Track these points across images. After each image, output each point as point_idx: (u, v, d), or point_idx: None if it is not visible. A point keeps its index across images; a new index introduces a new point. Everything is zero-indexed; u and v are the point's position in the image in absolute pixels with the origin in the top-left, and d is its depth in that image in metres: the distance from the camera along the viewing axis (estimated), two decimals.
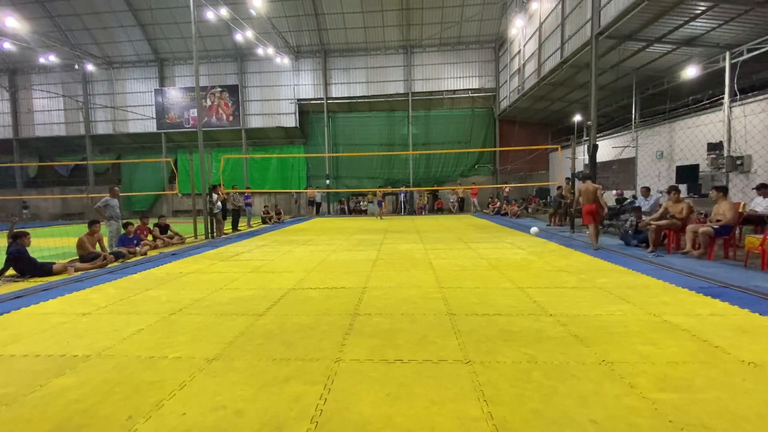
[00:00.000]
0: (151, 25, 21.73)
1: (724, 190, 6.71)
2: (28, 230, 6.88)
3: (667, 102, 14.63)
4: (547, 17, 15.10)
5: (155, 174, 24.27)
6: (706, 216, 7.11)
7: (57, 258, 7.52)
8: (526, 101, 18.45)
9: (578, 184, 8.41)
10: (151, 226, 10.19)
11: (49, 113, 24.45)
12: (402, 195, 21.88)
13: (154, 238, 9.83)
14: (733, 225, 6.55)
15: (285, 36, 21.36)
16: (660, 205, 8.21)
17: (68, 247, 7.63)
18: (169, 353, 3.15)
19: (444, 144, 22.73)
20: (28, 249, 6.56)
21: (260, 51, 19.92)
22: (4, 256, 6.38)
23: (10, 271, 6.37)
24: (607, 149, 15.01)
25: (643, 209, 8.76)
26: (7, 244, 6.47)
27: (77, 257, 7.24)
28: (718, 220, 6.49)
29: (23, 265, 6.32)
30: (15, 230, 6.58)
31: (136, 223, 9.37)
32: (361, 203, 22.69)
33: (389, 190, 21.56)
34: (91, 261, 7.12)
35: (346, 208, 23.11)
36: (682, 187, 9.90)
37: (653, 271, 5.72)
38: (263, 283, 5.64)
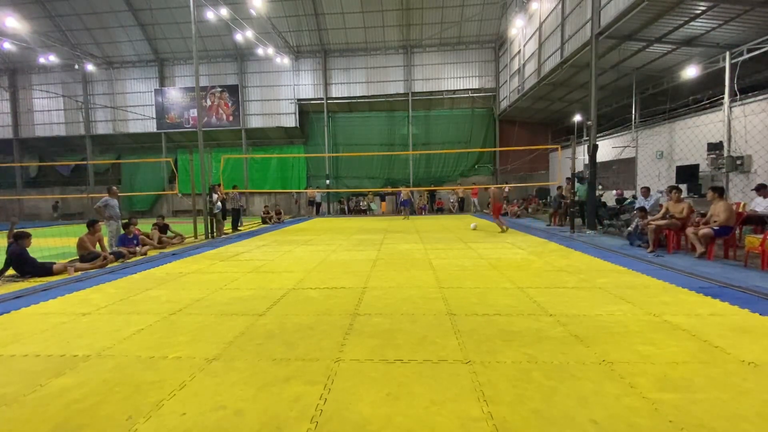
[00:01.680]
0: (151, 25, 21.73)
1: (719, 191, 6.72)
2: (29, 230, 6.87)
3: (667, 102, 14.63)
4: (547, 17, 15.10)
5: (155, 174, 24.28)
6: (704, 216, 7.11)
7: (57, 258, 7.52)
8: (526, 101, 18.45)
9: (491, 189, 11.50)
10: (148, 229, 10.12)
11: (49, 113, 24.46)
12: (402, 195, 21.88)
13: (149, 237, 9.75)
14: (733, 225, 6.56)
15: (285, 36, 21.36)
16: (660, 206, 8.22)
17: (68, 247, 7.63)
18: (169, 353, 3.15)
19: (444, 144, 22.74)
20: (28, 249, 6.56)
21: (260, 51, 19.92)
22: (4, 256, 6.38)
23: (10, 271, 6.37)
24: (607, 149, 15.01)
25: None
26: (7, 244, 6.47)
27: (77, 257, 7.24)
28: (714, 221, 6.50)
29: (23, 265, 6.32)
30: (15, 231, 6.57)
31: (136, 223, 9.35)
32: (362, 203, 22.70)
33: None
34: (91, 261, 7.12)
35: (346, 208, 23.12)
36: (682, 187, 9.91)
37: (653, 271, 5.72)
38: (263, 283, 5.64)
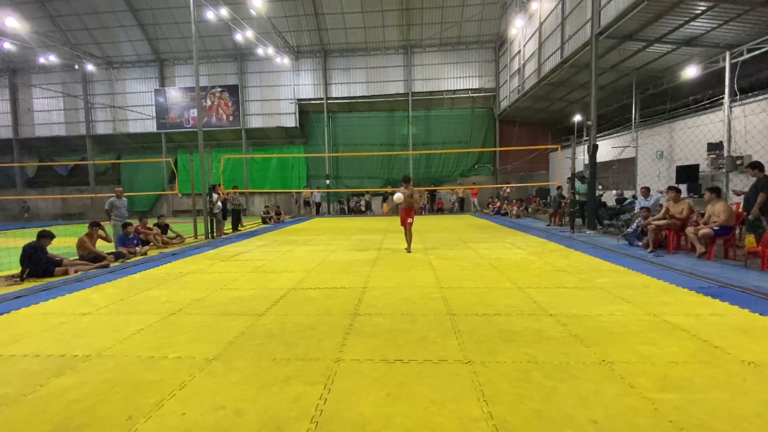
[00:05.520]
0: (151, 25, 21.74)
1: (716, 192, 6.73)
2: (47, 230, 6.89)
3: (667, 102, 14.62)
4: (547, 17, 15.10)
5: (155, 174, 24.28)
6: (703, 215, 7.12)
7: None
8: (526, 101, 18.44)
9: (401, 189, 8.40)
10: (150, 225, 10.18)
11: (49, 113, 24.46)
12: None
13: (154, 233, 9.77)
14: (733, 225, 6.56)
15: (285, 36, 21.36)
16: (660, 205, 8.22)
17: (68, 247, 7.63)
18: (169, 353, 3.15)
19: (444, 144, 22.75)
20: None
21: (260, 51, 19.92)
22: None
23: (12, 271, 6.38)
24: (607, 149, 15.00)
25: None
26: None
27: (77, 257, 7.24)
28: (714, 221, 6.51)
29: (33, 262, 6.31)
30: (41, 230, 6.66)
31: (136, 223, 9.35)
32: (362, 203, 22.71)
33: (390, 189, 21.54)
34: (92, 261, 7.12)
35: (346, 208, 23.12)
36: (682, 187, 9.89)
37: (653, 271, 5.72)
38: (263, 283, 5.64)
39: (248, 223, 16.19)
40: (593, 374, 2.64)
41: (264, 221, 16.98)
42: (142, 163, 24.01)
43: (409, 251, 8.11)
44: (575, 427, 2.08)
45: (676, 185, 8.04)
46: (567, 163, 14.28)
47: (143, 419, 2.23)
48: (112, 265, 7.31)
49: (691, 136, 11.19)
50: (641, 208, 8.56)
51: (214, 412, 2.29)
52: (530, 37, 17.07)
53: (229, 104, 23.06)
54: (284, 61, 21.72)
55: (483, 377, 2.63)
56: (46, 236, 6.53)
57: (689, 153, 11.24)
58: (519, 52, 18.51)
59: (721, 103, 10.28)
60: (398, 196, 8.33)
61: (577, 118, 18.07)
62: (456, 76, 22.34)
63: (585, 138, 16.83)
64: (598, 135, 12.63)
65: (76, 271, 6.62)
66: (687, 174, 11.03)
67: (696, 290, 4.65)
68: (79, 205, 24.41)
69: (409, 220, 8.24)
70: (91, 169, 24.08)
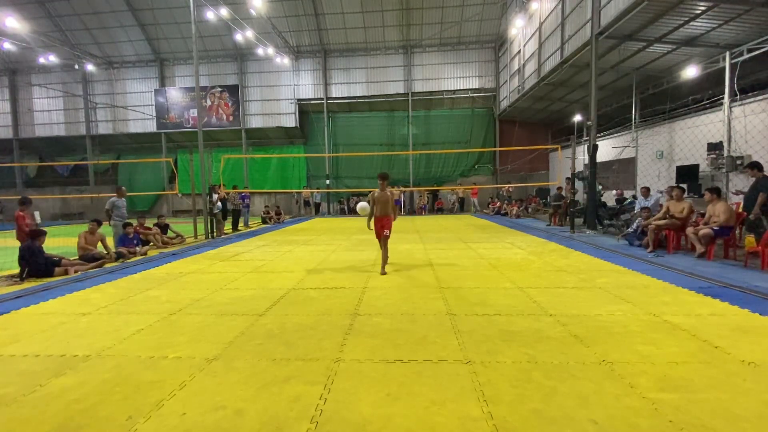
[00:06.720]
0: (151, 25, 21.74)
1: (716, 192, 6.74)
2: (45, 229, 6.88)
3: (667, 102, 14.61)
4: (547, 17, 15.10)
5: (155, 174, 24.28)
6: (703, 216, 7.12)
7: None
8: (526, 101, 18.44)
9: (376, 193, 6.30)
10: (150, 225, 10.17)
11: (49, 113, 24.45)
12: (401, 195, 21.87)
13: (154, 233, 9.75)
14: (733, 225, 6.56)
15: (285, 36, 21.36)
16: (660, 205, 8.22)
17: (68, 247, 7.64)
18: (169, 353, 3.15)
19: (444, 144, 22.75)
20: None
21: (260, 51, 19.93)
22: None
23: (12, 271, 6.37)
24: (607, 149, 15.00)
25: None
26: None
27: (77, 257, 7.24)
28: (714, 221, 6.51)
29: (30, 263, 6.32)
30: (32, 228, 6.66)
31: (136, 223, 9.34)
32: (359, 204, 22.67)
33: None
34: (92, 261, 7.12)
35: (346, 208, 23.12)
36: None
37: (653, 271, 5.71)
38: (263, 283, 5.64)
39: (253, 223, 16.18)
40: (593, 374, 2.64)
41: (264, 221, 16.98)
42: (142, 163, 24.00)
43: (383, 272, 6.02)
44: (575, 427, 2.08)
45: (678, 185, 8.04)
46: (567, 163, 14.27)
47: (143, 419, 2.23)
48: (112, 265, 7.31)
49: (691, 136, 11.19)
50: (641, 208, 8.55)
51: (214, 412, 2.29)
52: (530, 37, 17.06)
53: (229, 104, 23.06)
54: (284, 61, 21.72)
55: (483, 377, 2.63)
56: (39, 234, 6.54)
57: (689, 153, 11.24)
58: (519, 52, 18.51)
59: (721, 103, 10.28)
60: (362, 206, 6.37)
61: (577, 118, 18.06)
62: (456, 76, 22.34)
63: (585, 138, 16.81)
64: (598, 135, 12.63)
65: (76, 271, 6.63)
66: (687, 174, 11.04)
67: (696, 290, 4.65)
68: (79, 205, 24.39)
69: (386, 232, 6.15)
70: (91, 169, 24.08)
